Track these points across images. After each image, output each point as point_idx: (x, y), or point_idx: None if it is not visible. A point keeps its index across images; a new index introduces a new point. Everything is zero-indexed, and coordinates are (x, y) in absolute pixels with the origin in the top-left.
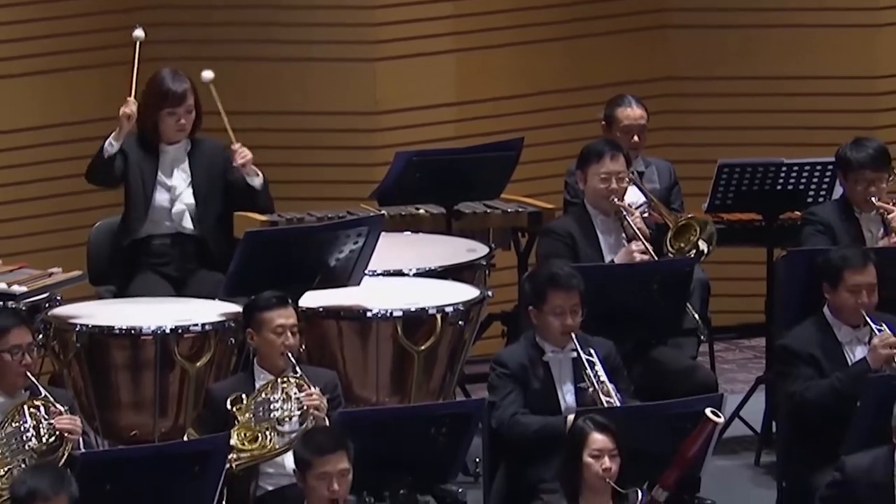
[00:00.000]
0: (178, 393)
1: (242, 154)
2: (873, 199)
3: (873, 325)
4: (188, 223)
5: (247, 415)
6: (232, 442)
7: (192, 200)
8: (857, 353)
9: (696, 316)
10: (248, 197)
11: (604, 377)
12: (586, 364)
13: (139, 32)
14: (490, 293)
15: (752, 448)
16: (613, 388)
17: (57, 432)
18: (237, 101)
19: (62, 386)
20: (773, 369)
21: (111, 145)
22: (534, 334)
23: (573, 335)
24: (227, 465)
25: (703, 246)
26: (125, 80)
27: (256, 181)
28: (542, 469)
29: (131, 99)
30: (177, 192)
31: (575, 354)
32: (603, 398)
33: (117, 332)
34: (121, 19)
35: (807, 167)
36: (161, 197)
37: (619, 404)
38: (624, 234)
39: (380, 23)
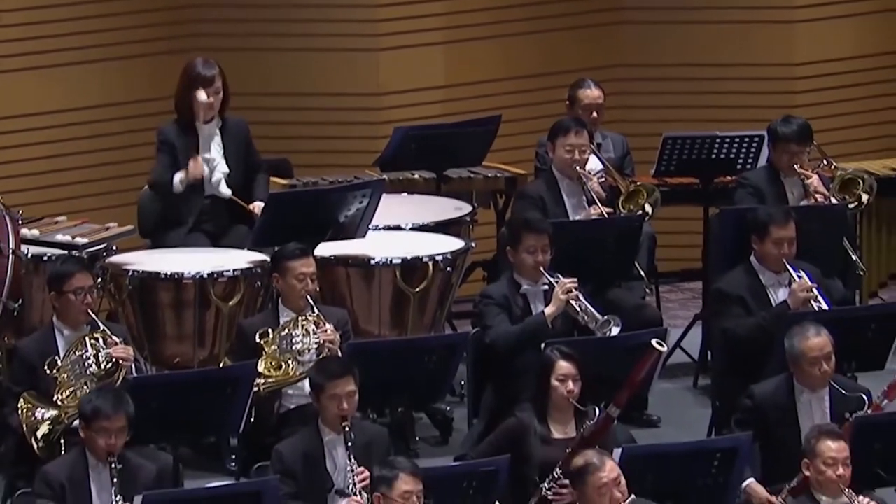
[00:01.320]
0: (214, 327)
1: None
2: (796, 166)
3: (793, 271)
4: (224, 188)
5: (273, 347)
6: (260, 369)
7: (226, 169)
8: (779, 293)
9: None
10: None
11: (584, 301)
12: (574, 305)
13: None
14: (473, 244)
15: (691, 373)
16: (594, 308)
17: (113, 360)
18: (263, 84)
19: (117, 321)
20: (708, 308)
21: (178, 186)
22: (511, 272)
23: (544, 271)
24: (256, 389)
25: (648, 208)
26: (169, 67)
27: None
28: (519, 390)
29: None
30: (214, 162)
31: (546, 287)
32: (585, 318)
33: (163, 276)
34: (166, 16)
35: (737, 139)
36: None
37: (598, 316)
38: (584, 197)
39: (382, 19)
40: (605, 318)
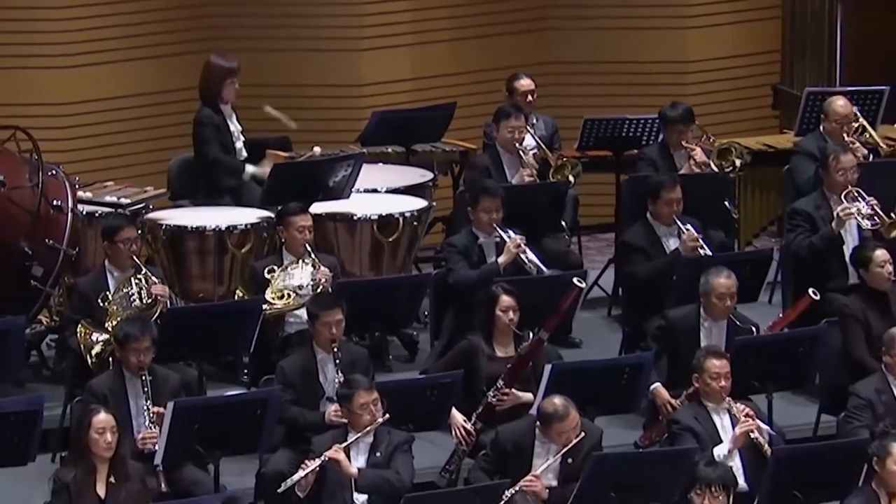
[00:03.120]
0: (230, 269)
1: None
2: (683, 142)
3: (680, 224)
4: (244, 153)
5: (277, 280)
6: (267, 297)
7: (242, 138)
8: (670, 242)
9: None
10: None
11: (532, 255)
12: (522, 257)
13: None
14: (434, 203)
15: (606, 305)
16: (537, 258)
17: (153, 295)
18: (268, 77)
19: (153, 265)
20: (618, 254)
21: (247, 176)
22: (471, 227)
23: (497, 227)
24: (264, 312)
25: (571, 178)
26: (192, 65)
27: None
28: (472, 318)
29: None
30: (238, 132)
31: (498, 240)
32: (531, 268)
33: (190, 229)
34: (191, 23)
35: (641, 121)
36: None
37: (544, 269)
38: (521, 167)
39: (362, 26)
40: (549, 271)
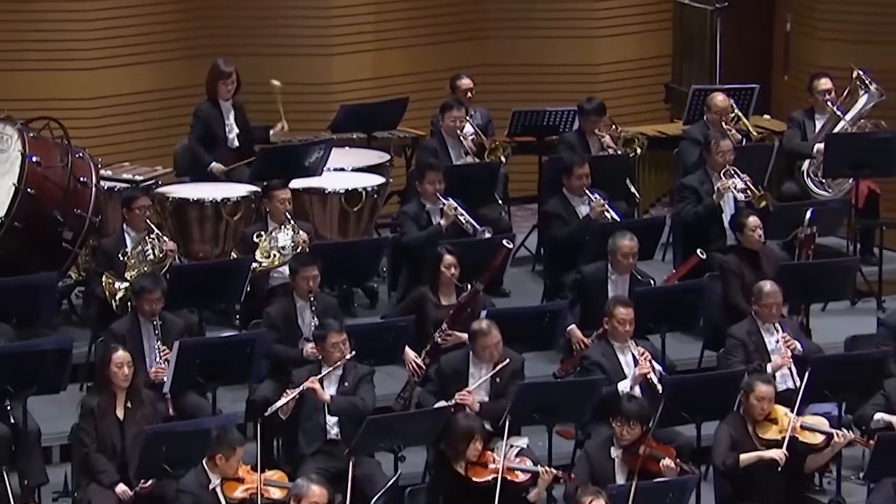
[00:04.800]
0: (224, 234)
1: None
2: (595, 130)
3: (590, 195)
4: (235, 142)
5: (264, 242)
6: (257, 257)
7: (237, 130)
8: (582, 209)
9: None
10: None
11: (467, 216)
12: (460, 218)
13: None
14: (391, 179)
15: (530, 262)
16: (474, 220)
17: (164, 251)
18: (259, 76)
19: (162, 230)
20: (540, 221)
21: (212, 170)
22: (419, 197)
23: (439, 196)
24: (252, 269)
25: (503, 158)
26: (198, 67)
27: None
28: (422, 273)
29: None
30: (232, 126)
31: (442, 206)
32: (468, 227)
33: (191, 200)
34: (198, 31)
35: (559, 113)
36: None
37: (477, 225)
38: (462, 150)
39: (333, 35)
40: (482, 228)
